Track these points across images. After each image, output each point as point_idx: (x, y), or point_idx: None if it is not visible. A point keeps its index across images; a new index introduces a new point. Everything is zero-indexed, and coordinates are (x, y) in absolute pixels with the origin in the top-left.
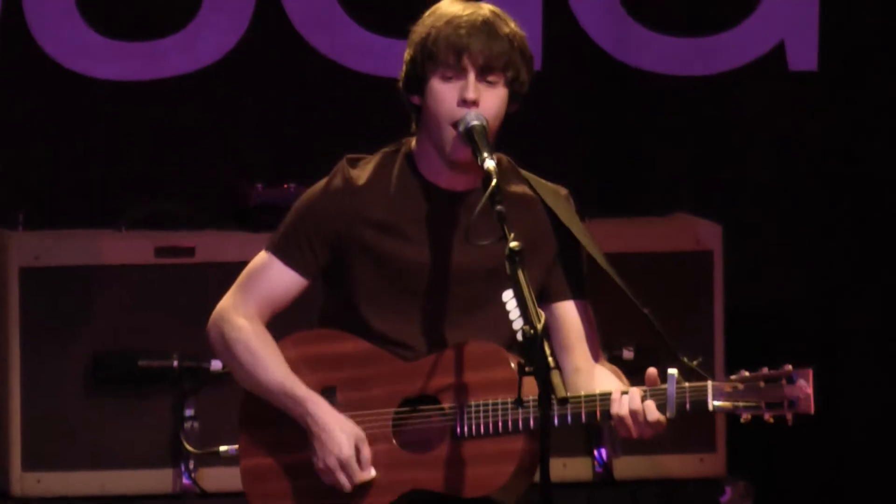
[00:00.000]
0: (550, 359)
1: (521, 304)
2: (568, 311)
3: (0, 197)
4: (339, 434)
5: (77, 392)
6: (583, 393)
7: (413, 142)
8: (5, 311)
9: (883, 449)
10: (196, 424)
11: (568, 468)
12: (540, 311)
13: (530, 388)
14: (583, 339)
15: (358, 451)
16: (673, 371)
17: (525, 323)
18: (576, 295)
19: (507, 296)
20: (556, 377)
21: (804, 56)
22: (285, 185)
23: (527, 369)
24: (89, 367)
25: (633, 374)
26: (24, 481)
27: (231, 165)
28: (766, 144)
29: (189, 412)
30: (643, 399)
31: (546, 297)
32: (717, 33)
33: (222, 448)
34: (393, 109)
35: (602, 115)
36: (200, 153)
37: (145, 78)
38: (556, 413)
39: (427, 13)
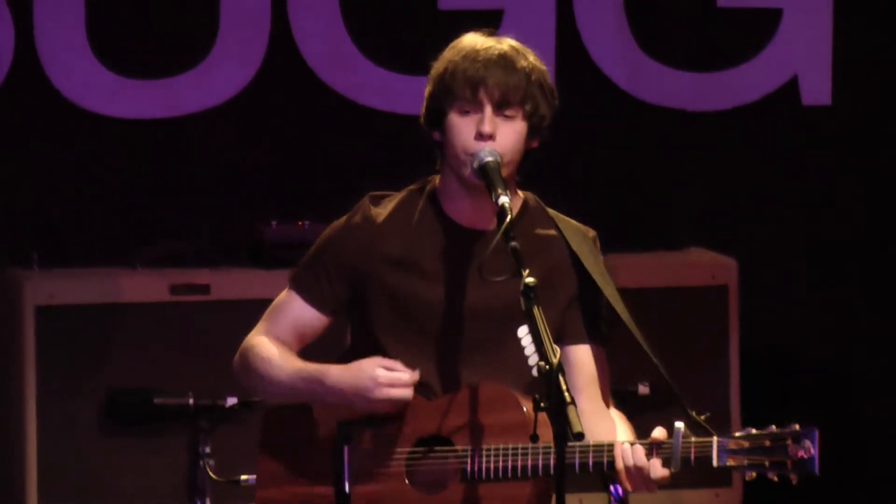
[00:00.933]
0: (567, 394)
1: (537, 340)
2: (579, 355)
3: (15, 236)
4: (359, 374)
5: (93, 430)
6: (591, 441)
7: (437, 179)
8: (21, 349)
9: None
10: (212, 462)
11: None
12: (555, 346)
13: (545, 429)
14: (592, 382)
15: (386, 367)
16: (679, 425)
17: (540, 359)
18: (590, 339)
19: (523, 331)
20: (572, 412)
21: (818, 90)
22: (300, 223)
23: (542, 405)
24: (105, 404)
25: (648, 409)
26: None
27: (245, 202)
28: (780, 179)
29: (205, 449)
30: (648, 455)
31: (560, 339)
32: (731, 68)
33: (243, 477)
34: (407, 147)
35: (615, 149)
36: (215, 190)
37: (159, 116)
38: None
39: (448, 48)
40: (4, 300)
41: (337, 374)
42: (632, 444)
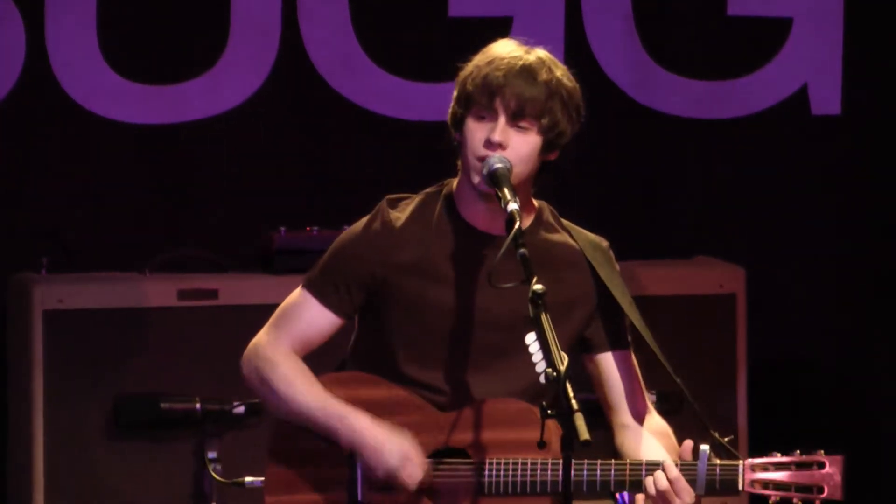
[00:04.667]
0: (574, 402)
1: (545, 347)
2: (609, 365)
3: (24, 241)
4: (386, 445)
5: (100, 435)
6: (615, 459)
7: (455, 182)
8: (29, 354)
9: None
10: (219, 467)
11: None
12: (563, 353)
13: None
14: (626, 394)
15: (409, 459)
16: (705, 448)
17: (548, 365)
18: (616, 346)
19: (531, 338)
20: (579, 420)
21: (827, 100)
22: (308, 229)
23: (549, 412)
24: (112, 409)
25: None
26: None
27: (255, 208)
28: (789, 188)
29: (212, 455)
30: (677, 478)
31: (588, 349)
32: (741, 77)
33: (248, 479)
34: (417, 153)
35: (624, 157)
36: (224, 196)
37: (169, 122)
38: (585, 479)
39: (479, 53)
40: (13, 304)
41: (366, 424)
42: (656, 465)
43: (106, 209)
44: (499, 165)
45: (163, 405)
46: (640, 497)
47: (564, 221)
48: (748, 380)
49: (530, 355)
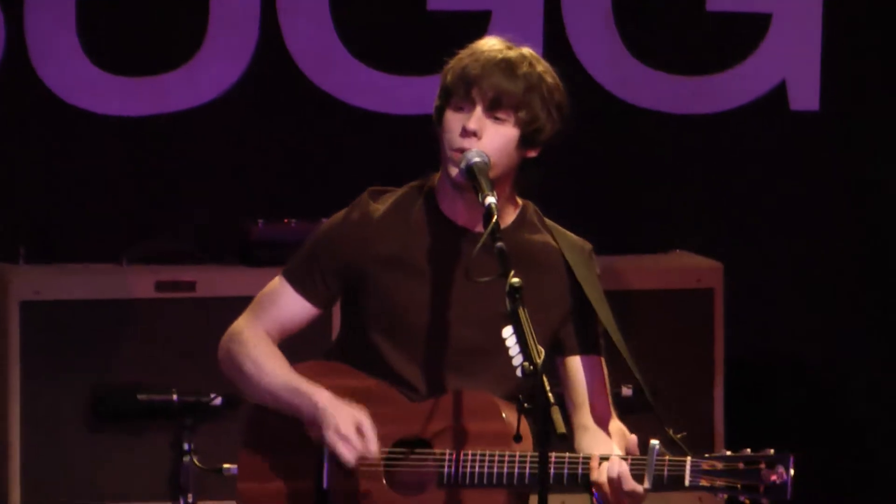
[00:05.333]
0: (550, 395)
1: (521, 341)
2: (577, 368)
3: (1, 231)
4: (339, 412)
5: (77, 426)
6: (567, 453)
7: (437, 176)
8: (5, 344)
9: (886, 485)
10: (195, 458)
11: None
12: (540, 347)
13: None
14: (589, 397)
15: (359, 430)
16: (655, 442)
17: (525, 359)
18: (586, 350)
19: (507, 332)
20: (555, 413)
21: (806, 96)
22: (286, 221)
23: (526, 405)
24: (89, 400)
25: (633, 411)
26: None
27: (232, 200)
28: (767, 183)
29: (188, 446)
30: (620, 468)
31: (559, 351)
32: (719, 73)
33: (226, 465)
34: (396, 147)
35: (603, 152)
36: (202, 188)
37: (147, 113)
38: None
39: (464, 49)
40: None
41: (326, 397)
42: (607, 458)
43: (84, 200)
44: (477, 159)
45: (140, 397)
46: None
47: (548, 222)
48: (725, 373)
49: (507, 352)
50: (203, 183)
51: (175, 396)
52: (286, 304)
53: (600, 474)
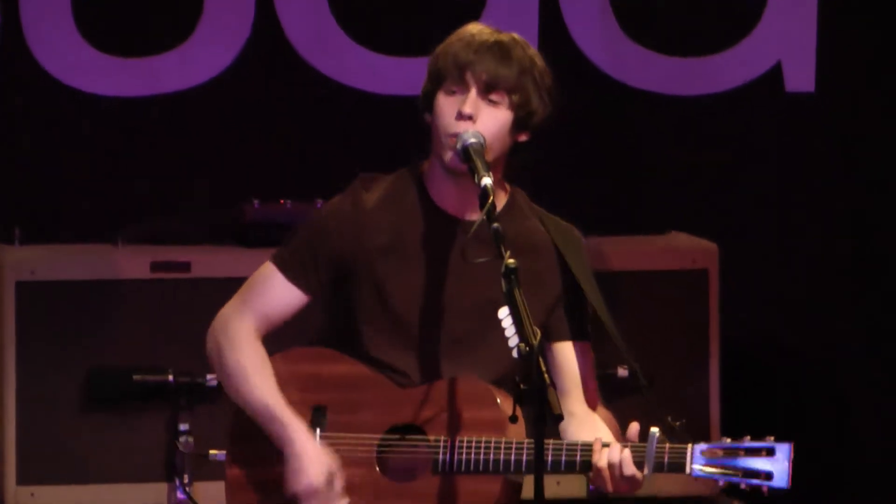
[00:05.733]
0: (546, 376)
1: (517, 322)
2: (566, 353)
3: None
4: (314, 463)
5: (72, 406)
6: (565, 440)
7: (424, 164)
8: (1, 325)
9: (878, 470)
10: (191, 439)
11: (562, 486)
12: (536, 328)
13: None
14: (579, 383)
15: (330, 483)
16: (655, 430)
17: (521, 340)
18: (576, 336)
19: (503, 313)
20: (551, 394)
21: (801, 77)
22: (281, 202)
23: (522, 387)
24: (84, 381)
25: (628, 393)
26: (18, 495)
27: (228, 181)
28: (762, 164)
29: (184, 427)
30: (622, 454)
31: (546, 337)
32: (715, 54)
33: (212, 451)
34: (391, 128)
35: (598, 133)
36: (197, 169)
37: (143, 94)
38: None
39: (452, 34)
40: None
41: (301, 438)
42: (609, 445)
43: (79, 181)
44: (472, 140)
45: (135, 377)
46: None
47: (537, 208)
48: (720, 355)
49: (501, 340)
50: (199, 164)
51: (171, 377)
52: (277, 292)
53: (600, 458)
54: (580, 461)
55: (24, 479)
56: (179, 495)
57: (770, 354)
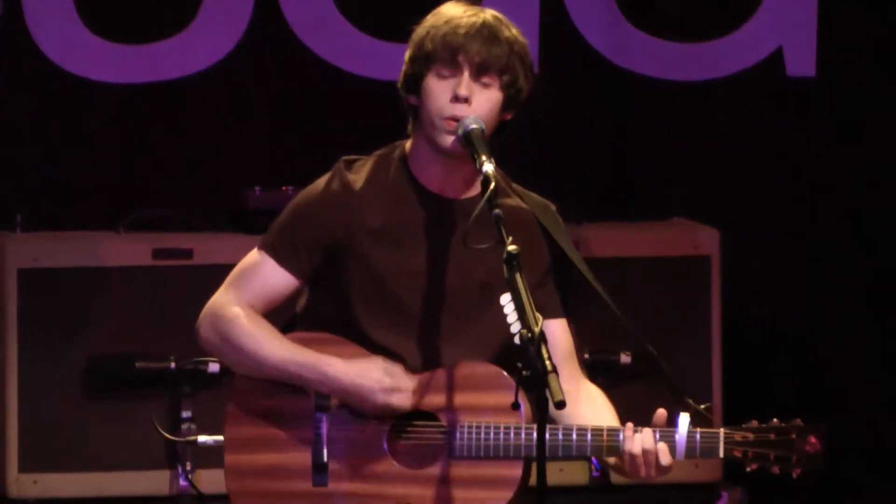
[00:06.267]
0: (549, 362)
1: (519, 308)
2: (556, 329)
3: None
4: (365, 373)
5: (74, 393)
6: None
7: (407, 145)
8: (3, 312)
9: (880, 458)
10: (193, 426)
11: (565, 472)
12: (538, 314)
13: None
14: (569, 358)
15: (392, 373)
16: (685, 415)
17: (523, 326)
18: (559, 313)
19: (505, 299)
20: (553, 381)
21: (802, 62)
22: (283, 188)
23: (524, 373)
24: (86, 368)
25: (630, 379)
26: (20, 483)
27: (229, 168)
28: (764, 150)
29: (186, 414)
30: (658, 442)
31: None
32: (716, 39)
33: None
34: (391, 113)
35: (600, 119)
36: (198, 156)
37: (143, 81)
38: (560, 444)
39: (430, 15)
40: None
41: (340, 367)
42: (640, 430)
43: (81, 168)
44: (474, 126)
45: (137, 364)
46: (611, 458)
47: (514, 185)
48: (721, 340)
49: (492, 319)
50: (200, 150)
51: (172, 364)
52: (268, 277)
53: (634, 444)
54: (608, 447)
55: (26, 466)
56: (182, 483)
57: (772, 340)
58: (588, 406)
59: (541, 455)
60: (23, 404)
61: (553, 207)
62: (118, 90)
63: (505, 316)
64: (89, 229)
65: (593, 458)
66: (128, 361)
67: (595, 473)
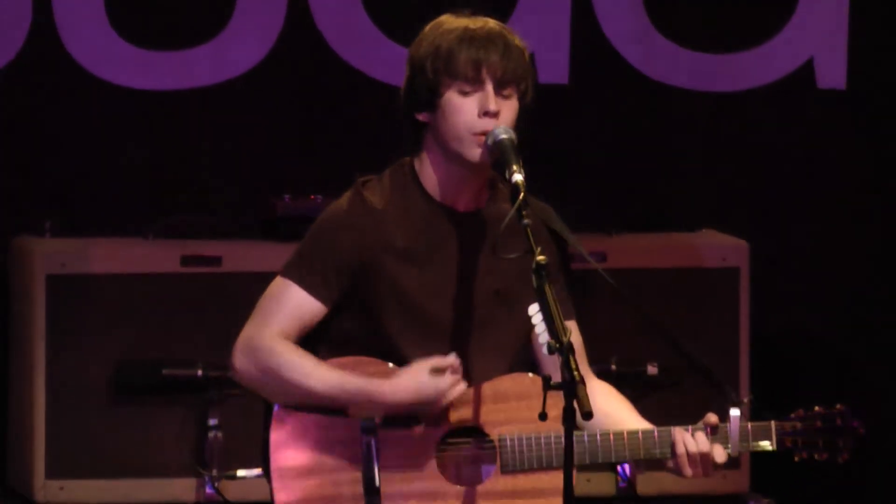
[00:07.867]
0: (577, 373)
1: (548, 318)
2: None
3: (27, 204)
4: (412, 386)
5: (101, 400)
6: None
7: (414, 161)
8: (31, 318)
9: None
10: (220, 434)
11: (592, 483)
12: (566, 324)
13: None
14: (581, 358)
15: (438, 380)
16: (736, 412)
17: (551, 336)
18: (570, 315)
19: (533, 309)
20: (581, 391)
21: (833, 74)
22: (312, 197)
23: (552, 383)
24: (114, 375)
25: (657, 389)
26: (47, 489)
27: (259, 176)
28: (793, 162)
29: (213, 422)
30: (713, 444)
31: None
32: (746, 50)
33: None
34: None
35: (629, 130)
36: (228, 163)
37: (175, 88)
38: (613, 452)
39: (427, 30)
40: (16, 268)
41: (394, 387)
42: (693, 430)
43: (110, 174)
44: (504, 136)
45: (165, 371)
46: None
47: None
48: (750, 353)
49: (509, 324)
50: (230, 158)
51: (200, 371)
52: (296, 305)
53: (690, 445)
54: (660, 452)
55: (53, 472)
56: (208, 490)
57: (801, 353)
58: (605, 399)
59: (568, 464)
60: (50, 410)
61: (552, 210)
62: (149, 96)
63: (526, 322)
64: (118, 235)
65: (620, 468)
66: (155, 368)
67: (622, 484)
